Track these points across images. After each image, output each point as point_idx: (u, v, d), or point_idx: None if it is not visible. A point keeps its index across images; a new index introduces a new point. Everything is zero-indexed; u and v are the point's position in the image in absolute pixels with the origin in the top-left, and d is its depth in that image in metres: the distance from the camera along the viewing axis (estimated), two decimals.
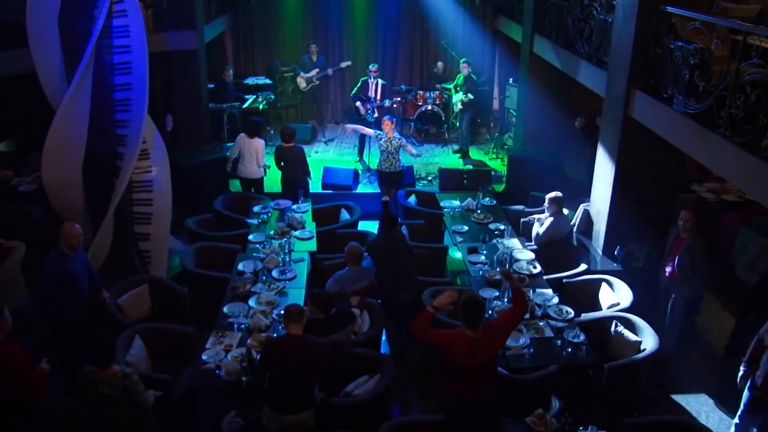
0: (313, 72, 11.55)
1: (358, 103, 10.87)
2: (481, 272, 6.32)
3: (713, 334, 6.51)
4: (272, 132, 11.40)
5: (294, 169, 8.39)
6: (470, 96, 10.60)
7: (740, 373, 4.76)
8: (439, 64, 12.19)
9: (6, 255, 5.62)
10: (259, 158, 8.48)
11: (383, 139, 8.48)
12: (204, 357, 4.94)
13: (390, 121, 8.49)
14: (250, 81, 11.87)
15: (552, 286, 6.06)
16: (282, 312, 5.40)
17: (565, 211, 7.05)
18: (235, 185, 9.11)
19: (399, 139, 8.53)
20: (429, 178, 10.18)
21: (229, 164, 8.68)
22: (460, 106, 10.81)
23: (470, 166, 10.57)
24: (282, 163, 8.40)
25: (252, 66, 12.60)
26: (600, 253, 7.06)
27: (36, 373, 4.29)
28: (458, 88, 10.87)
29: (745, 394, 4.74)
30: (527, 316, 5.49)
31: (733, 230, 7.60)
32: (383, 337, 6.01)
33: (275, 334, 5.20)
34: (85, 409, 4.27)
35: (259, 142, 8.48)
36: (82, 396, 4.21)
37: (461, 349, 4.16)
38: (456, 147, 11.34)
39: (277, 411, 4.37)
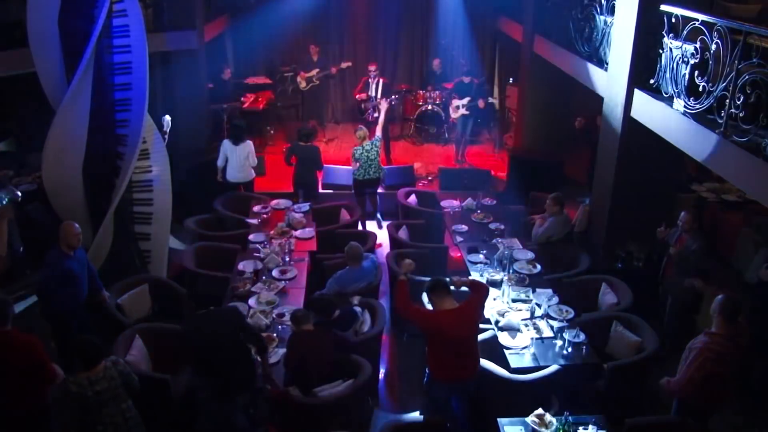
0: (314, 72, 11.55)
1: (357, 97, 10.88)
2: (481, 272, 6.32)
3: None
4: (272, 132, 11.38)
5: (307, 167, 8.38)
6: (464, 102, 10.52)
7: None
8: (436, 61, 12.07)
9: None
10: (251, 159, 8.41)
11: (365, 147, 8.22)
12: None
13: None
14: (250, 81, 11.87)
15: (552, 286, 6.06)
16: (283, 313, 5.46)
17: (565, 211, 7.06)
18: None
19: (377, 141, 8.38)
20: (429, 178, 10.18)
21: (219, 174, 8.40)
22: (460, 112, 10.71)
23: (470, 166, 10.58)
24: (295, 161, 8.33)
25: (252, 66, 12.59)
26: (600, 253, 7.06)
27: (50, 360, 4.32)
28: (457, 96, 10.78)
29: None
30: (527, 316, 5.53)
31: (733, 230, 7.60)
32: (382, 337, 5.99)
33: (275, 334, 5.22)
34: (75, 417, 4.14)
35: (249, 145, 8.36)
36: (73, 404, 4.08)
37: (450, 321, 4.44)
38: (456, 147, 11.31)
39: (310, 389, 4.63)
